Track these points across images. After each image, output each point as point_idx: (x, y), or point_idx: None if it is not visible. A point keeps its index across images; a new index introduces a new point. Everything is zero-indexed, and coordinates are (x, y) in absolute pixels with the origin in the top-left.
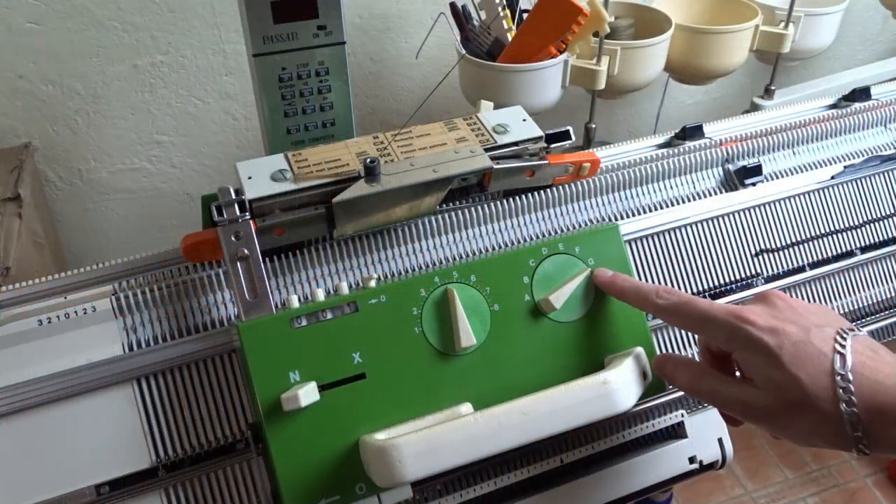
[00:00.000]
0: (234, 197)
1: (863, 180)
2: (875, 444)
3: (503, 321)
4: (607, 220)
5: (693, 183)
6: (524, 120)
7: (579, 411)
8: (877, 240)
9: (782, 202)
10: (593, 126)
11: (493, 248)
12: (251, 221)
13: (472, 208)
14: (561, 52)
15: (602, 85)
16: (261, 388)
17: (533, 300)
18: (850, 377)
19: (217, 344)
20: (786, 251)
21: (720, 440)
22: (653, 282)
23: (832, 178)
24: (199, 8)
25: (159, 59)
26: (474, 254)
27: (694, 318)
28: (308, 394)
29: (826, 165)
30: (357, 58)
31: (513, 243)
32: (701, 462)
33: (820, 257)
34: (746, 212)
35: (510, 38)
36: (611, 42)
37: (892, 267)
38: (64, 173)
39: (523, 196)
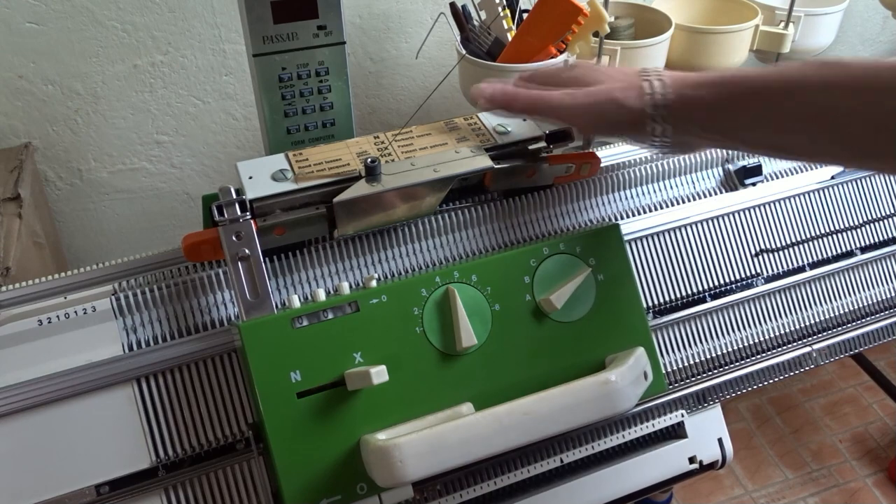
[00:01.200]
0: (234, 197)
1: (863, 180)
2: (678, 127)
3: (504, 321)
4: (607, 220)
5: (693, 183)
6: (525, 120)
7: (580, 411)
8: (877, 240)
9: (782, 202)
10: None
11: (494, 248)
12: (252, 221)
13: (473, 208)
14: (561, 52)
15: None
16: (262, 388)
17: (534, 300)
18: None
19: (217, 344)
20: (786, 251)
21: (720, 440)
22: (653, 282)
23: (832, 178)
24: (199, 8)
25: (159, 59)
26: (475, 254)
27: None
28: (379, 374)
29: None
30: (357, 58)
31: (513, 243)
32: (701, 462)
33: (820, 257)
34: (746, 212)
35: (510, 38)
36: (611, 42)
37: (892, 267)
38: (64, 173)
39: (524, 196)
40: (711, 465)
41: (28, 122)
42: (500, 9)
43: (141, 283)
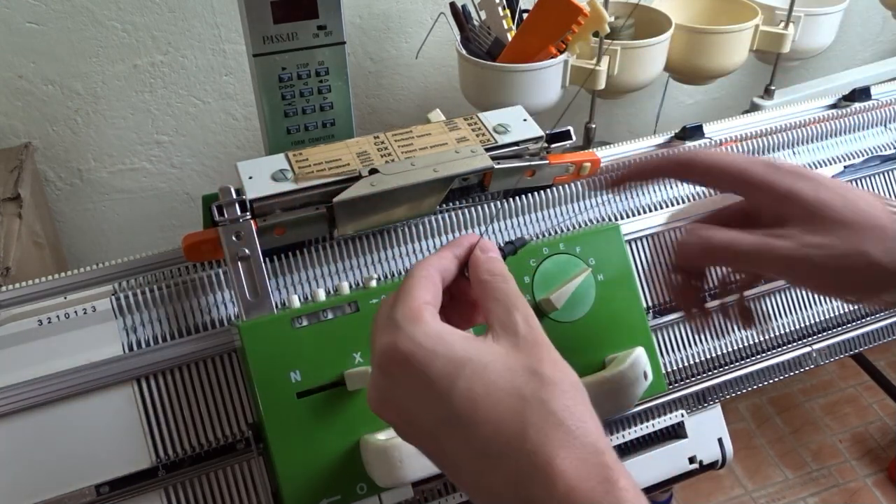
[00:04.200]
0: (234, 197)
1: (863, 180)
2: None
3: None
4: (607, 220)
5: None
6: (525, 120)
7: None
8: None
9: None
10: (593, 126)
11: None
12: (252, 221)
13: (473, 208)
14: (561, 52)
15: (602, 85)
16: (262, 388)
17: (534, 300)
18: None
19: (217, 344)
20: None
21: (720, 440)
22: (653, 282)
23: (832, 178)
24: (199, 8)
25: (159, 59)
26: None
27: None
28: None
29: (826, 165)
30: (357, 58)
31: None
32: (701, 462)
33: None
34: None
35: (510, 38)
36: (611, 42)
37: None
38: (64, 173)
39: (524, 196)
40: (711, 465)
41: (28, 122)
42: (500, 9)
43: (141, 283)
